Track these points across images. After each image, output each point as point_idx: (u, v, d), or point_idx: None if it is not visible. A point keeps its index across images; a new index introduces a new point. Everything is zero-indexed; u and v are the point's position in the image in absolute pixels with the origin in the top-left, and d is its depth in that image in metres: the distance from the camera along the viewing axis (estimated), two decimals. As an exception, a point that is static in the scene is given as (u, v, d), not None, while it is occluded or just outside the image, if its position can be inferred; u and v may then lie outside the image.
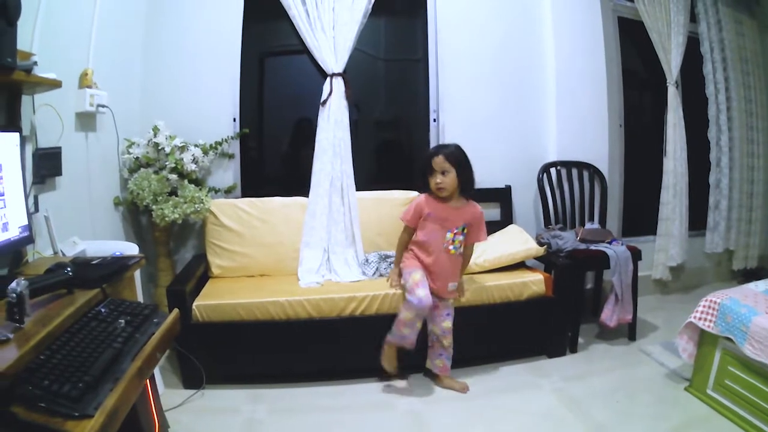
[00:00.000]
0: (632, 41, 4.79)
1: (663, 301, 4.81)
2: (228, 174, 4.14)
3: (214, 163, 4.06)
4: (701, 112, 4.98)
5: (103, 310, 1.84)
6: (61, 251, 2.65)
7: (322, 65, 4.03)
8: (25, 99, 2.47)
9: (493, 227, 4.03)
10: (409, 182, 4.19)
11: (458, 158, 3.11)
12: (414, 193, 4.02)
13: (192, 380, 3.18)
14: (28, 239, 2.26)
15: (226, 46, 4.05)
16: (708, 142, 5.02)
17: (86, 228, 3.13)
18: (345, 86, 4.01)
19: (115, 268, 2.16)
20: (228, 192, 4.09)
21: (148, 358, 1.66)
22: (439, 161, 3.09)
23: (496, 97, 4.44)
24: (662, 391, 3.19)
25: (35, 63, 2.26)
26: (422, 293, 3.02)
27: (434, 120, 4.41)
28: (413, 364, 3.37)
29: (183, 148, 3.77)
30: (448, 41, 4.34)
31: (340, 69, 4.02)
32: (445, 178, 3.09)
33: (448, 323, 3.24)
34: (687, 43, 4.67)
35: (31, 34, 2.48)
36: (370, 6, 4.05)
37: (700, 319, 3.02)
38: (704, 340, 3.05)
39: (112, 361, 1.54)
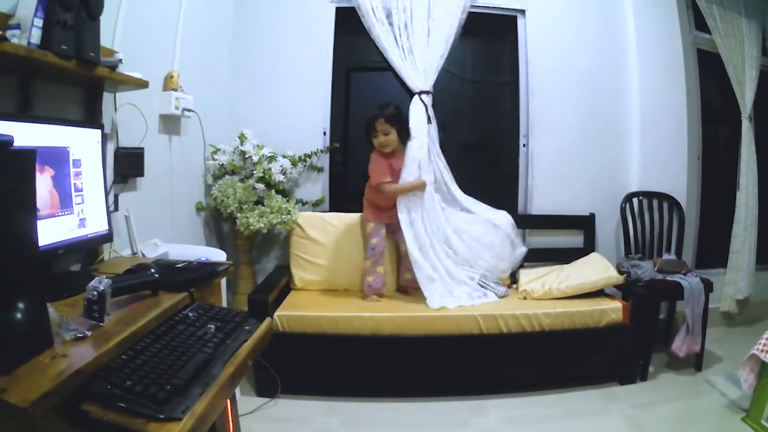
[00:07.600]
0: (709, 73, 4.48)
1: (728, 332, 4.52)
2: (316, 187, 3.96)
3: (302, 176, 3.90)
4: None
5: (191, 314, 1.69)
6: (141, 252, 2.54)
7: (407, 83, 3.78)
8: (106, 96, 2.35)
9: (575, 254, 3.93)
10: (497, 205, 3.93)
11: (397, 117, 3.37)
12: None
13: (266, 388, 3.08)
14: (107, 237, 2.13)
15: (317, 58, 3.90)
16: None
17: (166, 231, 3.00)
18: (431, 105, 3.75)
19: (204, 273, 2.01)
20: (316, 205, 3.91)
21: (240, 365, 1.50)
22: (380, 123, 3.33)
23: (583, 124, 4.17)
24: (720, 421, 3.06)
25: (120, 60, 2.16)
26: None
27: (524, 145, 4.17)
28: (488, 384, 3.25)
29: (271, 159, 3.64)
30: (537, 66, 4.10)
31: (427, 87, 3.76)
32: (388, 138, 3.35)
33: None
34: (759, 77, 4.37)
35: (112, 32, 2.38)
36: (460, 27, 3.84)
37: (762, 351, 2.90)
38: (764, 371, 2.93)
39: (203, 366, 1.39)
